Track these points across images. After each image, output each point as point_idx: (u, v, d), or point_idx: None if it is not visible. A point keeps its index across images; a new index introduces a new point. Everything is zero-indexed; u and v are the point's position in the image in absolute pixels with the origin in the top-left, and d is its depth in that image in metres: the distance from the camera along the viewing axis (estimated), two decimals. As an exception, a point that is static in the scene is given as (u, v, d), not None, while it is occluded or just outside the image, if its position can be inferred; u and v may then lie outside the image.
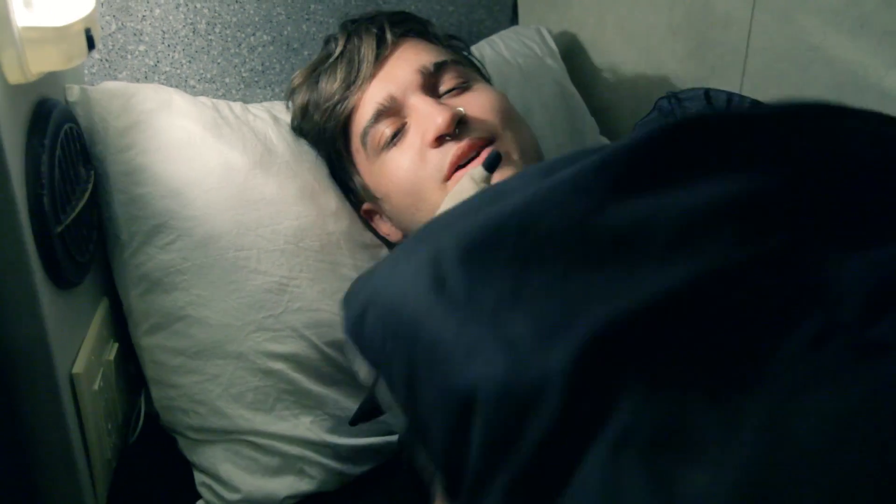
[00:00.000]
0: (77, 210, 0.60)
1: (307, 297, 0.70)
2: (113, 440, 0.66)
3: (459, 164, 0.64)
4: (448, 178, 0.65)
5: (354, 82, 0.69)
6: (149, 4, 0.87)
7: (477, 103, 0.67)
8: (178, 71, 0.90)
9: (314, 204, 0.73)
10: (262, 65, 0.95)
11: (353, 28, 0.74)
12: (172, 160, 0.68)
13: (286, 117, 0.81)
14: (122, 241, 0.67)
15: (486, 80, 0.77)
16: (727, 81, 0.91)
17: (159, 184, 0.67)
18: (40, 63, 0.51)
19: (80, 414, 0.59)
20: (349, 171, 0.74)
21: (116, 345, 0.70)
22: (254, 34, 0.94)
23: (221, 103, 0.77)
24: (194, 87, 0.92)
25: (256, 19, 0.93)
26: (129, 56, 0.87)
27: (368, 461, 0.69)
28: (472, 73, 0.72)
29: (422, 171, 0.65)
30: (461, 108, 0.64)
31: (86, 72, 0.85)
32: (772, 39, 0.84)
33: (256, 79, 0.95)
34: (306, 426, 0.66)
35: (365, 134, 0.68)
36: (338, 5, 0.98)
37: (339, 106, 0.70)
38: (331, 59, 0.72)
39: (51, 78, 0.62)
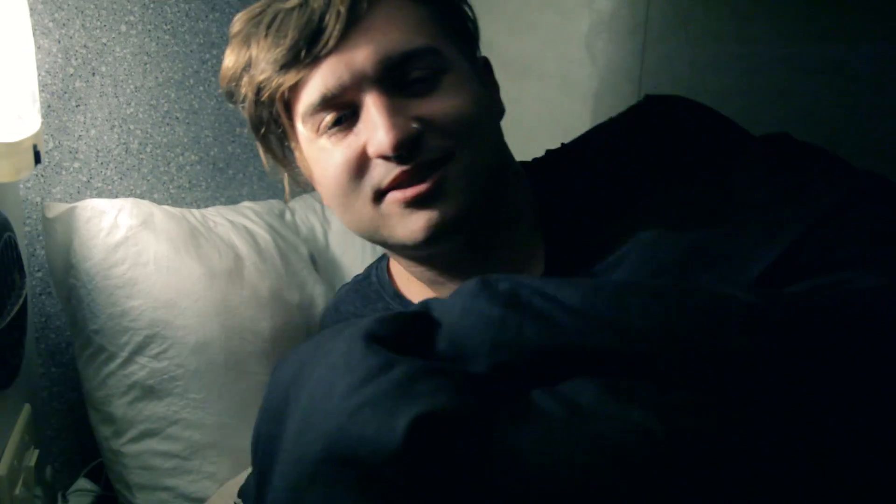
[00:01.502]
0: (12, 314, 0.64)
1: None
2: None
3: (393, 186, 0.55)
4: (378, 199, 0.56)
5: (309, 51, 0.54)
6: (85, 125, 0.90)
7: (441, 109, 0.55)
8: (110, 187, 0.94)
9: (282, 301, 0.81)
10: (189, 182, 1.02)
11: None
12: (162, 272, 0.73)
13: (238, 218, 0.87)
14: (110, 352, 0.70)
15: (469, 57, 0.61)
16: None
17: (151, 296, 0.71)
18: (-6, 175, 0.56)
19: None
20: (287, 139, 0.62)
21: (37, 451, 0.71)
22: (182, 154, 1.01)
23: (186, 212, 0.82)
24: (124, 202, 0.95)
25: (185, 140, 1.01)
26: (64, 172, 0.89)
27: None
28: (449, 57, 0.57)
29: (354, 182, 0.56)
30: (416, 126, 0.54)
31: (21, 185, 0.85)
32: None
33: (183, 195, 1.01)
34: None
35: (307, 114, 0.57)
36: (257, 131, 1.10)
37: (279, 75, 0.56)
38: (285, 5, 0.56)
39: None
